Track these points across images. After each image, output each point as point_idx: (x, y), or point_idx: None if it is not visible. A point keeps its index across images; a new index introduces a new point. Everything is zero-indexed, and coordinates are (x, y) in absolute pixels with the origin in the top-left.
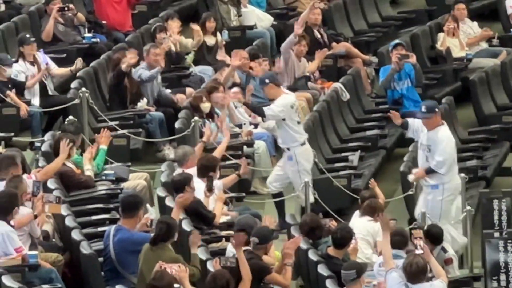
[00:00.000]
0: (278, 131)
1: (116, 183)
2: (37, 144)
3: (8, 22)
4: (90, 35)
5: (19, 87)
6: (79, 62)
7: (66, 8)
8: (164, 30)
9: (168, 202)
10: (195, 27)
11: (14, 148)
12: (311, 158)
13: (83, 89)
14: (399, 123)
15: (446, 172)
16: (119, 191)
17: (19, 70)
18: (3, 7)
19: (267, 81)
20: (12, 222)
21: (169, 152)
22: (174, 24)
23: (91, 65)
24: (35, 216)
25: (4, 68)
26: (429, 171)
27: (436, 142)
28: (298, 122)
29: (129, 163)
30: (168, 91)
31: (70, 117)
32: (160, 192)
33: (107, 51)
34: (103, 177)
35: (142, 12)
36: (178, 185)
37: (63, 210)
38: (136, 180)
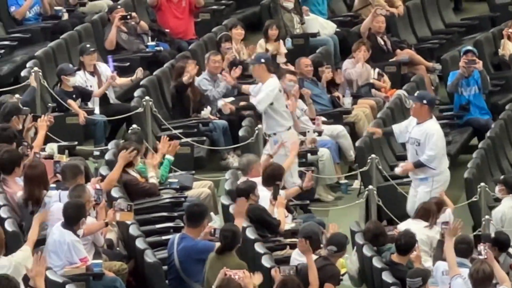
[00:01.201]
0: (264, 117)
1: (180, 191)
2: (96, 152)
3: (71, 31)
4: (153, 43)
5: (86, 96)
6: (139, 71)
7: (128, 16)
8: (230, 40)
9: (232, 210)
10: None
11: (78, 157)
12: (298, 142)
13: (147, 97)
14: (380, 133)
15: (436, 167)
16: (183, 199)
17: (78, 80)
18: (66, 16)
19: (262, 60)
20: (79, 232)
21: (233, 160)
22: (237, 32)
23: (154, 73)
24: (106, 224)
25: (67, 77)
26: (418, 165)
27: (427, 136)
28: (286, 106)
29: (193, 171)
30: (232, 99)
31: (134, 125)
32: (224, 200)
33: (170, 59)
34: (167, 186)
35: (206, 20)
36: (243, 193)
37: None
38: (200, 188)
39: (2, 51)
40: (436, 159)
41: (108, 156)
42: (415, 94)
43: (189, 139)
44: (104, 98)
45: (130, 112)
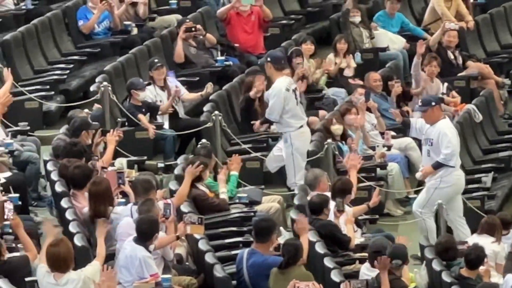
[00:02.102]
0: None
1: (249, 206)
2: (160, 165)
3: (140, 45)
4: (222, 58)
5: (154, 111)
6: (209, 86)
7: (193, 29)
8: (301, 55)
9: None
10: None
11: (147, 172)
12: (308, 141)
13: (216, 112)
14: (399, 121)
15: (455, 164)
16: (252, 214)
17: (148, 95)
18: (135, 31)
19: (268, 59)
20: (151, 247)
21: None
22: (307, 47)
23: (223, 88)
24: (177, 238)
25: (136, 92)
26: (437, 166)
27: (440, 135)
28: (297, 104)
29: (263, 186)
30: None
31: (203, 140)
32: (294, 214)
33: (239, 74)
34: (237, 200)
35: (275, 35)
36: (316, 207)
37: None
38: (270, 203)
39: (71, 65)
40: (454, 156)
41: (177, 170)
42: (419, 103)
43: (258, 154)
44: (173, 113)
45: (200, 126)
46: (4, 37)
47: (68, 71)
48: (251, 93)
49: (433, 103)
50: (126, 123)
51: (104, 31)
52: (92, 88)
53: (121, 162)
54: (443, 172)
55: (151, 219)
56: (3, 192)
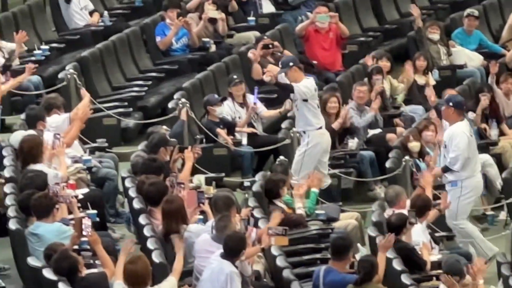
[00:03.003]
0: (296, 114)
1: (327, 223)
2: (247, 183)
3: (218, 62)
4: None
5: (231, 128)
6: (287, 104)
7: (270, 46)
8: (381, 72)
9: (379, 241)
10: (408, 66)
11: (225, 189)
12: (325, 145)
13: (294, 129)
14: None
15: (459, 169)
16: (330, 231)
17: (227, 111)
18: (213, 48)
19: (291, 64)
20: (237, 263)
21: (380, 191)
22: (383, 64)
23: None
24: (263, 249)
25: (213, 108)
26: (445, 170)
27: (451, 138)
28: (318, 107)
29: (340, 203)
30: (379, 130)
31: (281, 157)
32: (371, 231)
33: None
34: (315, 217)
35: (353, 52)
36: (395, 226)
37: (274, 250)
38: (347, 219)
39: (149, 82)
40: (458, 161)
41: (255, 187)
42: (444, 98)
43: (336, 171)
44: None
45: (278, 143)
46: (82, 53)
47: (146, 88)
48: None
49: (450, 104)
50: (204, 140)
51: (182, 47)
52: (170, 105)
53: (199, 179)
54: (461, 175)
55: (239, 236)
56: (81, 209)
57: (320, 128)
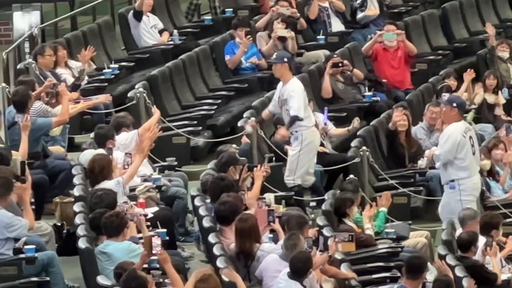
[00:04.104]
0: (284, 115)
1: (396, 241)
2: (312, 203)
3: None
4: (370, 93)
5: None
6: (356, 121)
7: (340, 64)
8: (450, 91)
9: (449, 260)
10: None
11: (294, 207)
12: (317, 142)
13: (364, 147)
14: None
15: (439, 167)
16: (399, 249)
17: None
18: None
19: (285, 59)
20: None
21: None
22: (450, 83)
23: (371, 123)
24: (330, 257)
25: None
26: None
27: (442, 137)
28: (307, 104)
29: (410, 222)
30: None
31: (351, 175)
32: (441, 250)
33: (387, 109)
34: (384, 236)
35: (422, 70)
36: (464, 244)
37: (344, 268)
38: (417, 238)
39: (219, 101)
40: (439, 160)
41: (325, 206)
42: (446, 98)
43: (405, 189)
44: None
45: (347, 162)
46: (152, 72)
47: (215, 107)
48: (390, 125)
49: (454, 105)
50: (274, 158)
51: (252, 66)
52: (239, 123)
53: (269, 197)
54: (458, 175)
55: (305, 256)
56: (151, 227)
57: (312, 126)
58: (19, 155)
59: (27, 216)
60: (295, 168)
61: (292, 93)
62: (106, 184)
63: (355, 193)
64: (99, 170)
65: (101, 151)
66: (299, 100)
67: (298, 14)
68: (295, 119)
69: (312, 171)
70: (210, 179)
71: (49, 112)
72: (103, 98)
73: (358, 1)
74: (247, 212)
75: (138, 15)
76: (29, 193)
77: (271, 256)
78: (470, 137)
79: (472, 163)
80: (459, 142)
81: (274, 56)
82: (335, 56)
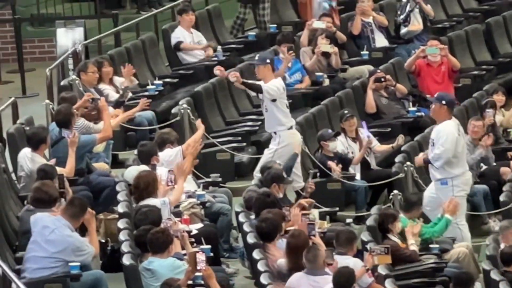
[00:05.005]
0: (266, 115)
1: (439, 257)
2: (349, 220)
3: (332, 96)
4: (414, 108)
5: (345, 163)
6: (400, 139)
7: (382, 79)
8: (494, 106)
9: (493, 275)
10: None
11: (339, 223)
12: (296, 145)
13: (408, 163)
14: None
15: (439, 166)
16: (444, 264)
17: (339, 146)
18: (327, 82)
19: (268, 61)
20: None
21: (494, 225)
22: (498, 98)
23: (415, 139)
24: (367, 270)
25: (326, 143)
26: (425, 161)
27: (438, 136)
28: (287, 106)
29: (454, 238)
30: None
31: (395, 191)
32: (486, 265)
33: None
34: (428, 252)
35: (467, 86)
36: (507, 258)
37: (388, 284)
38: (457, 248)
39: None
40: (441, 159)
41: (369, 222)
42: (435, 96)
43: None
44: (365, 164)
45: (391, 177)
46: (196, 88)
47: (259, 123)
48: None
49: (443, 102)
50: (318, 174)
51: (296, 82)
52: (215, 71)
53: (314, 213)
54: (450, 173)
55: (348, 271)
56: (195, 244)
57: (291, 128)
58: (66, 172)
59: (93, 243)
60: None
61: (269, 83)
62: (151, 202)
63: (419, 205)
64: (144, 187)
65: (144, 167)
66: (274, 86)
67: (334, 29)
68: (256, 86)
69: (299, 173)
70: (254, 195)
71: (92, 128)
72: (141, 105)
73: (401, 16)
74: (296, 228)
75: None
76: (94, 220)
77: (295, 275)
78: (459, 135)
79: (465, 159)
80: (457, 140)
81: (256, 57)
82: (379, 71)
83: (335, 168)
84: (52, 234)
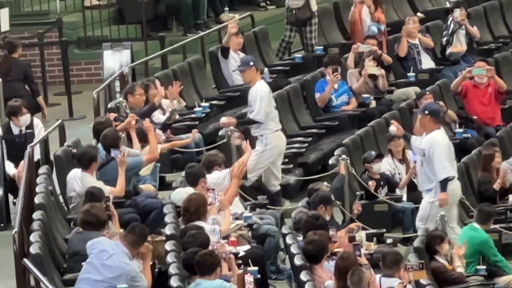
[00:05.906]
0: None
1: (488, 278)
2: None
3: (379, 118)
4: (461, 130)
5: (392, 185)
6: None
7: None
8: None
9: None
10: None
11: (386, 245)
12: (282, 147)
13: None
14: (401, 132)
15: (450, 174)
16: (491, 286)
17: (386, 167)
18: (373, 104)
19: (251, 63)
20: None
21: None
22: None
23: (462, 160)
24: (404, 286)
25: (369, 165)
26: (443, 186)
27: (432, 147)
28: (276, 108)
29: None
30: None
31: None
32: None
33: (478, 146)
34: (475, 272)
35: None
36: None
37: None
38: (510, 275)
39: (310, 138)
40: (447, 170)
41: (416, 243)
42: (420, 107)
43: (497, 226)
44: (411, 185)
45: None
46: (243, 110)
47: (306, 144)
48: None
49: (426, 112)
50: (365, 196)
51: (343, 104)
52: (330, 161)
53: (360, 235)
54: (435, 185)
55: None
56: (243, 266)
57: (277, 130)
58: (116, 192)
59: (146, 276)
60: (252, 168)
61: (255, 96)
62: (200, 225)
63: (494, 216)
64: (194, 210)
65: (191, 189)
66: (261, 103)
67: (380, 51)
68: (250, 121)
69: (279, 176)
70: (303, 217)
71: (129, 152)
72: (192, 137)
73: (445, 38)
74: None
75: (225, 52)
76: (150, 255)
77: None
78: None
79: (454, 168)
80: (448, 148)
81: (238, 63)
82: (427, 93)
83: (371, 184)
84: (110, 259)
